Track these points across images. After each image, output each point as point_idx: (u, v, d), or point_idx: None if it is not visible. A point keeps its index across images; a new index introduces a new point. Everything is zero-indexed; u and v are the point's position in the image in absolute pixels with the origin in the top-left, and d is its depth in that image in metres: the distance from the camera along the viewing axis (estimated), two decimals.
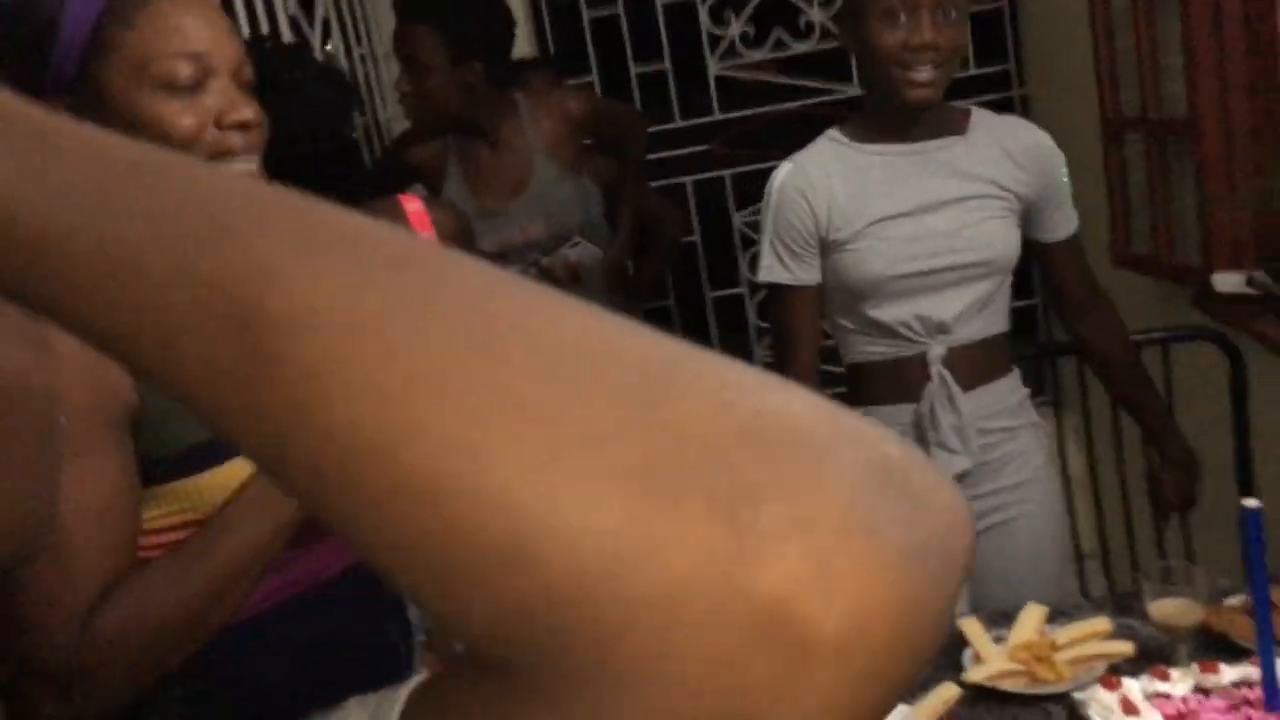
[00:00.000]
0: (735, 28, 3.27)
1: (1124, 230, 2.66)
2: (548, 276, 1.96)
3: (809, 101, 3.21)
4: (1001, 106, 3.26)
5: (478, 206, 2.38)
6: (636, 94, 3.35)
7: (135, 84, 1.03)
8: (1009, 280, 1.80)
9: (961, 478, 1.77)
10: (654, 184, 3.23)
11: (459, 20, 2.32)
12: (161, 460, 1.05)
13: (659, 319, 3.48)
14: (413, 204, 2.04)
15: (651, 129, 3.34)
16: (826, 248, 1.75)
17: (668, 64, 3.33)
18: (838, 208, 1.73)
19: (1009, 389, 1.84)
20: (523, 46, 3.17)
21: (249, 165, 1.09)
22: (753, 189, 2.87)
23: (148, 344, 0.33)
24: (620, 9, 3.32)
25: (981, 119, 1.79)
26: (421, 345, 0.29)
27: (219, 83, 1.06)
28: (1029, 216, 1.79)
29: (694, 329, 3.41)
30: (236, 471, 1.07)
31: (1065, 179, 1.81)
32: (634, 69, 3.35)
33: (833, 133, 1.79)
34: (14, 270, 0.33)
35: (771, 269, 1.77)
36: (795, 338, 1.79)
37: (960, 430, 1.76)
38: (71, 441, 0.99)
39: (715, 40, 3.29)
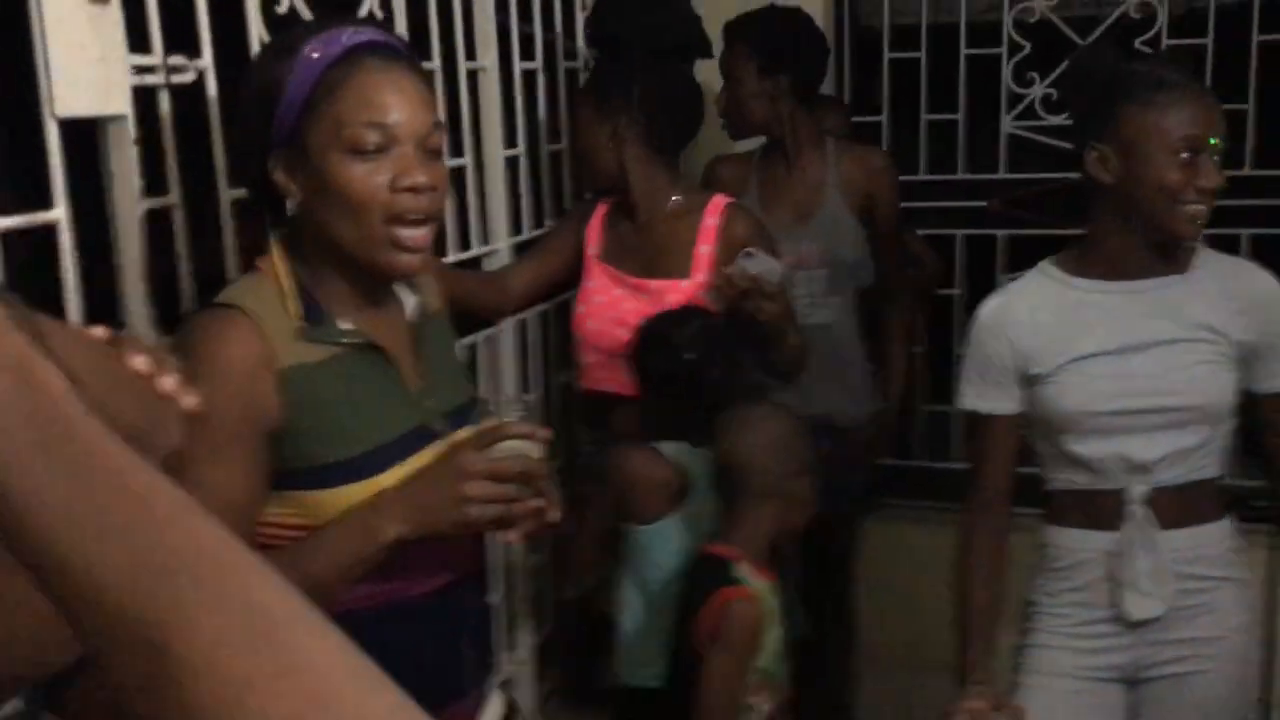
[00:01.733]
0: (1038, 89, 3.19)
1: None
2: (729, 284, 2.01)
3: None
4: (1277, 216, 3.04)
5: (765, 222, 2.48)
6: (924, 140, 3.33)
7: (329, 146, 1.21)
8: (1226, 426, 1.73)
9: (1151, 622, 1.71)
10: (925, 231, 3.21)
11: (769, 36, 2.52)
12: (292, 471, 1.22)
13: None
14: (720, 204, 2.19)
15: (933, 178, 3.33)
16: (1026, 380, 1.74)
17: (961, 115, 3.29)
18: (1039, 343, 1.72)
19: (1217, 536, 1.76)
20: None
21: (422, 233, 1.26)
22: (1025, 253, 2.81)
23: (86, 624, 0.46)
24: (923, 53, 3.31)
25: (1207, 259, 1.74)
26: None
27: (401, 149, 1.22)
28: (1247, 364, 1.72)
29: (941, 382, 3.35)
30: (351, 494, 1.22)
31: None
32: (925, 115, 3.33)
33: (1046, 265, 1.78)
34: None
35: (973, 398, 1.79)
36: (990, 464, 1.80)
37: (1156, 573, 1.70)
38: (214, 444, 1.15)
39: (1015, 99, 3.23)
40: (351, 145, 1.21)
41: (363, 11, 1.82)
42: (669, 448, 2.06)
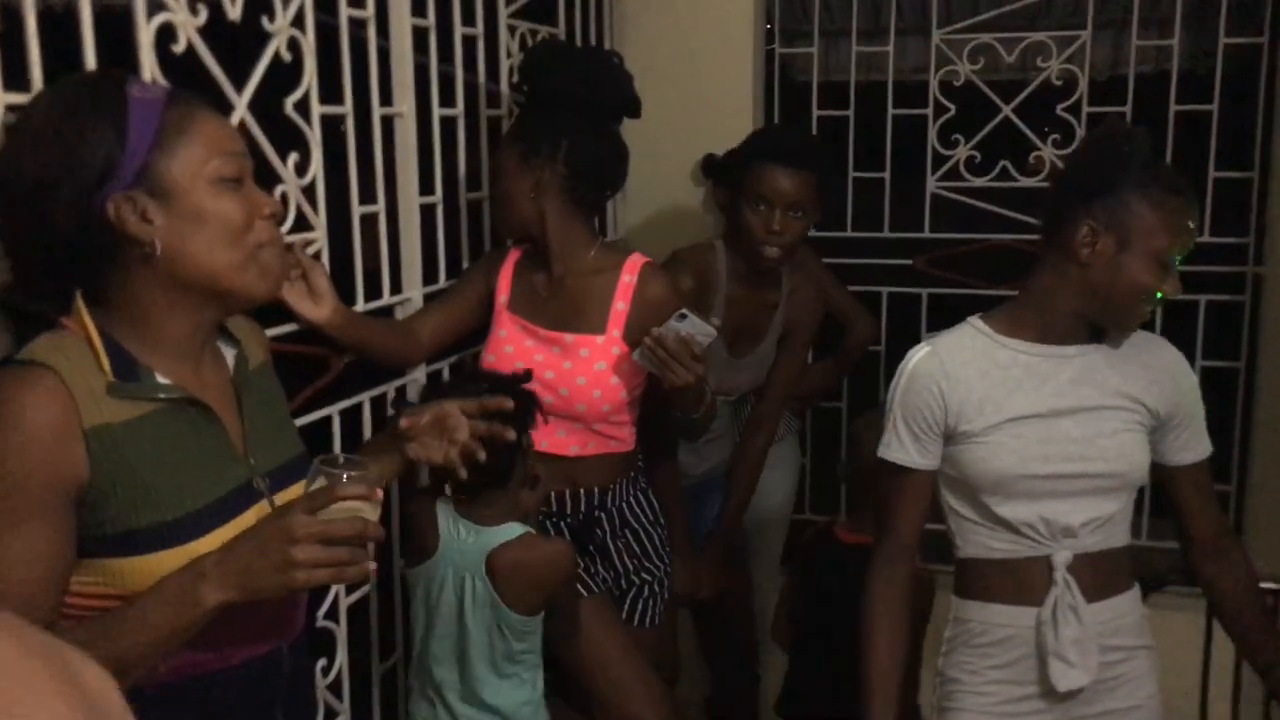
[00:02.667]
0: (962, 150, 3.23)
1: None
2: (661, 345, 1.98)
3: (1021, 236, 3.12)
4: (1231, 283, 3.11)
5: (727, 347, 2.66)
6: (850, 197, 3.35)
7: (195, 179, 1.19)
8: (1134, 495, 1.76)
9: (1075, 693, 1.71)
10: (851, 288, 3.22)
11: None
12: (102, 537, 1.16)
13: (829, 420, 3.44)
14: (637, 262, 2.17)
15: (860, 235, 3.35)
16: (952, 437, 1.73)
17: (887, 174, 3.32)
18: (972, 400, 1.70)
19: (1130, 605, 1.78)
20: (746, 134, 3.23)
21: (281, 256, 1.30)
22: (947, 312, 2.82)
23: None
24: (851, 112, 3.34)
25: None
26: None
27: (248, 179, 1.26)
28: (1158, 436, 1.74)
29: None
30: (165, 561, 1.16)
31: (1198, 401, 1.76)
32: (853, 173, 3.35)
33: (976, 322, 1.77)
34: None
35: (890, 446, 1.77)
36: (901, 517, 1.78)
37: (1081, 644, 1.69)
38: (15, 511, 1.09)
39: (939, 159, 3.26)
40: (219, 176, 1.21)
41: (268, 53, 1.77)
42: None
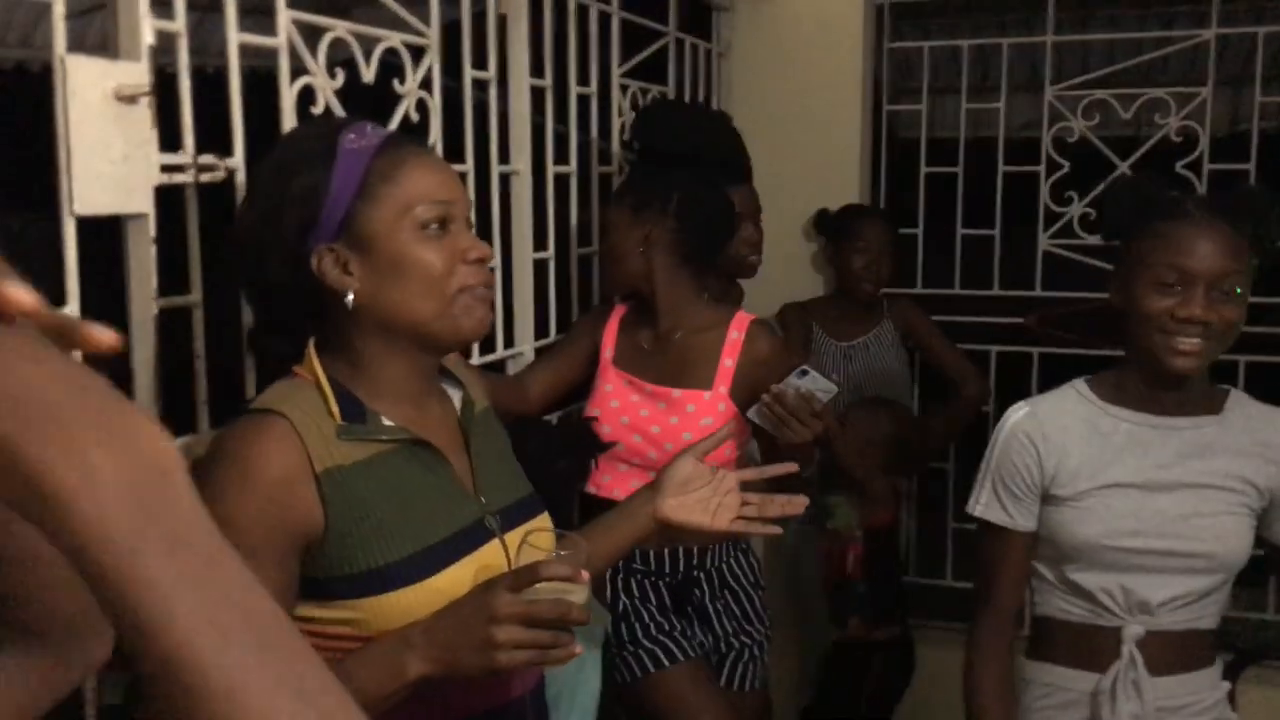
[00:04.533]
0: (1076, 208, 3.16)
1: None
2: (780, 402, 1.95)
3: None
4: None
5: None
6: (959, 253, 3.30)
7: (396, 228, 1.19)
8: (1231, 579, 1.67)
9: None
10: (959, 346, 3.17)
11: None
12: (341, 577, 1.16)
13: (938, 482, 3.37)
14: (744, 319, 2.18)
15: (968, 293, 3.30)
16: (1046, 499, 1.68)
17: (998, 230, 3.26)
18: (1067, 465, 1.65)
19: (1206, 684, 1.70)
20: (854, 190, 3.21)
21: (488, 298, 1.27)
22: (1059, 372, 2.75)
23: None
24: (960, 168, 3.30)
25: (1239, 403, 1.69)
26: None
27: (457, 224, 1.24)
28: (1272, 514, 1.66)
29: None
30: (403, 600, 1.16)
31: None
32: (961, 230, 3.30)
33: (1080, 385, 1.72)
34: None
35: (988, 507, 1.72)
36: (1000, 580, 1.73)
37: (1139, 718, 1.63)
38: (247, 554, 1.10)
39: (1052, 216, 3.20)
40: (421, 224, 1.20)
41: (399, 114, 1.81)
42: None
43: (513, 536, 1.27)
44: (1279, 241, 1.61)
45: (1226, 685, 1.74)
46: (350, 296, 1.20)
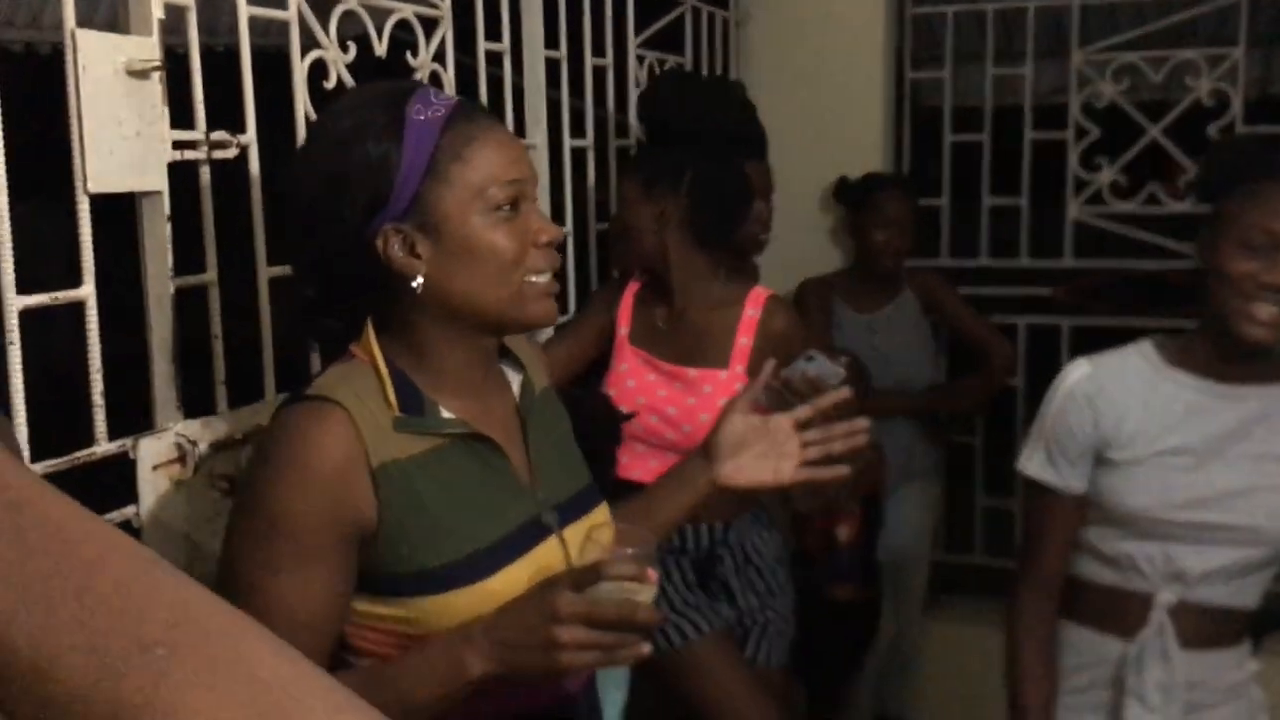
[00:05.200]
0: (1106, 174, 3.10)
1: None
2: (788, 388, 1.91)
3: (1170, 264, 2.98)
4: None
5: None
6: (985, 225, 3.25)
7: (468, 210, 1.13)
8: (1276, 560, 1.62)
9: None
10: (989, 318, 3.12)
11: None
12: (396, 575, 1.12)
13: (964, 456, 3.33)
14: (761, 296, 2.14)
15: (994, 264, 3.24)
16: (1100, 461, 1.62)
17: (1025, 199, 3.21)
18: (1125, 429, 1.60)
19: (1233, 662, 1.65)
20: (876, 160, 3.16)
21: (555, 283, 1.21)
22: (1089, 344, 2.70)
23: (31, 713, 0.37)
24: (986, 135, 3.24)
25: None
26: None
27: (528, 204, 1.17)
28: None
29: (997, 478, 3.23)
30: (459, 601, 1.12)
31: None
32: (987, 199, 3.25)
33: (1145, 347, 1.66)
34: None
35: (1040, 466, 1.67)
36: (1047, 542, 1.68)
37: (1167, 690, 1.59)
38: (298, 550, 1.07)
39: (1081, 184, 3.14)
40: (494, 205, 1.14)
41: None
42: None
43: (571, 532, 1.23)
44: None
45: (1254, 665, 1.70)
46: (419, 280, 1.14)
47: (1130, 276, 3.13)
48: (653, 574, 1.11)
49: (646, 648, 1.10)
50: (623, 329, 2.22)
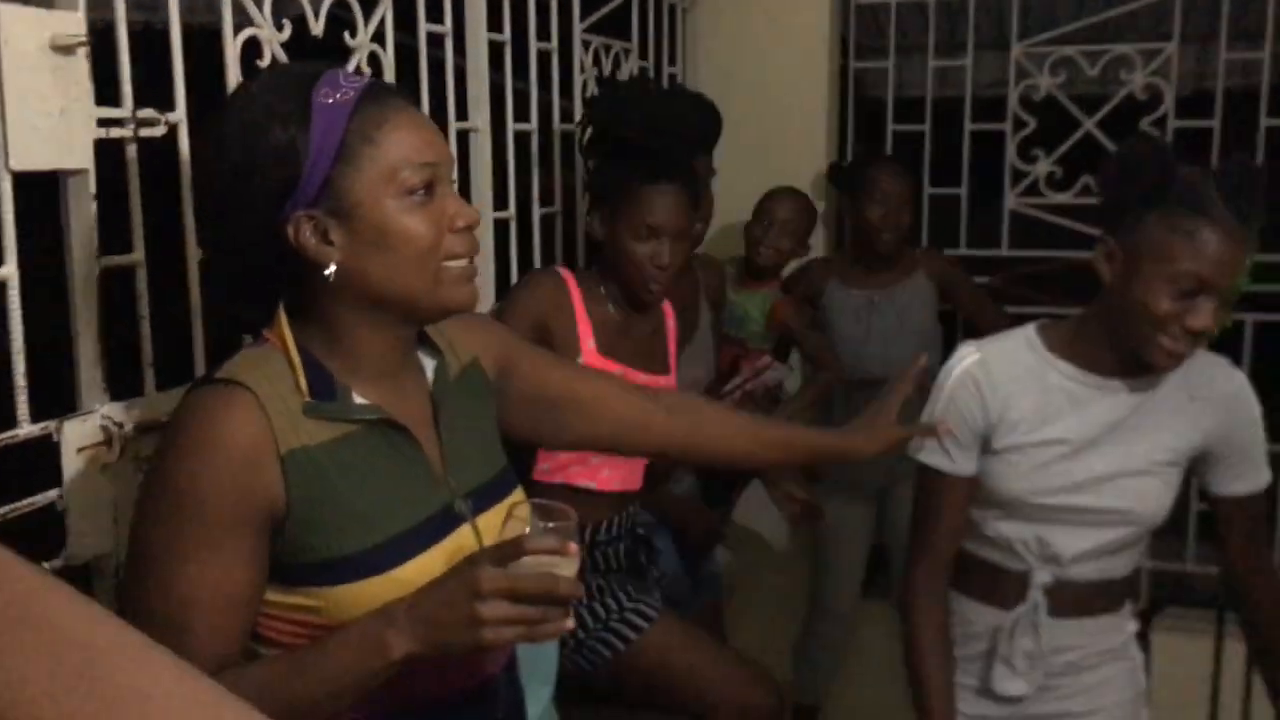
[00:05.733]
0: (1042, 166, 3.15)
1: None
2: (749, 399, 1.94)
3: None
4: None
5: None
6: (926, 214, 3.29)
7: (381, 194, 1.11)
8: (1146, 534, 1.69)
9: (1022, 698, 1.71)
10: None
11: None
12: (305, 565, 1.11)
13: None
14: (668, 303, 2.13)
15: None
16: (985, 447, 1.67)
17: (964, 190, 3.25)
18: (1009, 417, 1.65)
19: (1111, 626, 1.73)
20: (820, 149, 3.19)
21: (474, 266, 1.19)
22: None
23: None
24: (927, 126, 3.28)
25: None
26: None
27: (443, 187, 1.15)
28: (1207, 465, 1.67)
29: None
30: (369, 590, 1.11)
31: (1258, 432, 1.66)
32: (928, 189, 3.28)
33: (1031, 334, 1.69)
34: None
35: (931, 451, 1.70)
36: (937, 524, 1.72)
37: (1033, 657, 1.68)
38: (210, 534, 1.05)
39: (1019, 175, 3.18)
40: (407, 189, 1.11)
41: (349, 68, 1.76)
42: None
43: (484, 520, 1.23)
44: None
45: (1133, 626, 1.76)
46: (331, 269, 1.12)
47: (1066, 266, 3.19)
48: (573, 547, 1.10)
49: (569, 622, 1.10)
50: (589, 341, 2.09)
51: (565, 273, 2.11)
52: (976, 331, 3.10)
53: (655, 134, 2.10)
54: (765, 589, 3.36)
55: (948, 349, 2.80)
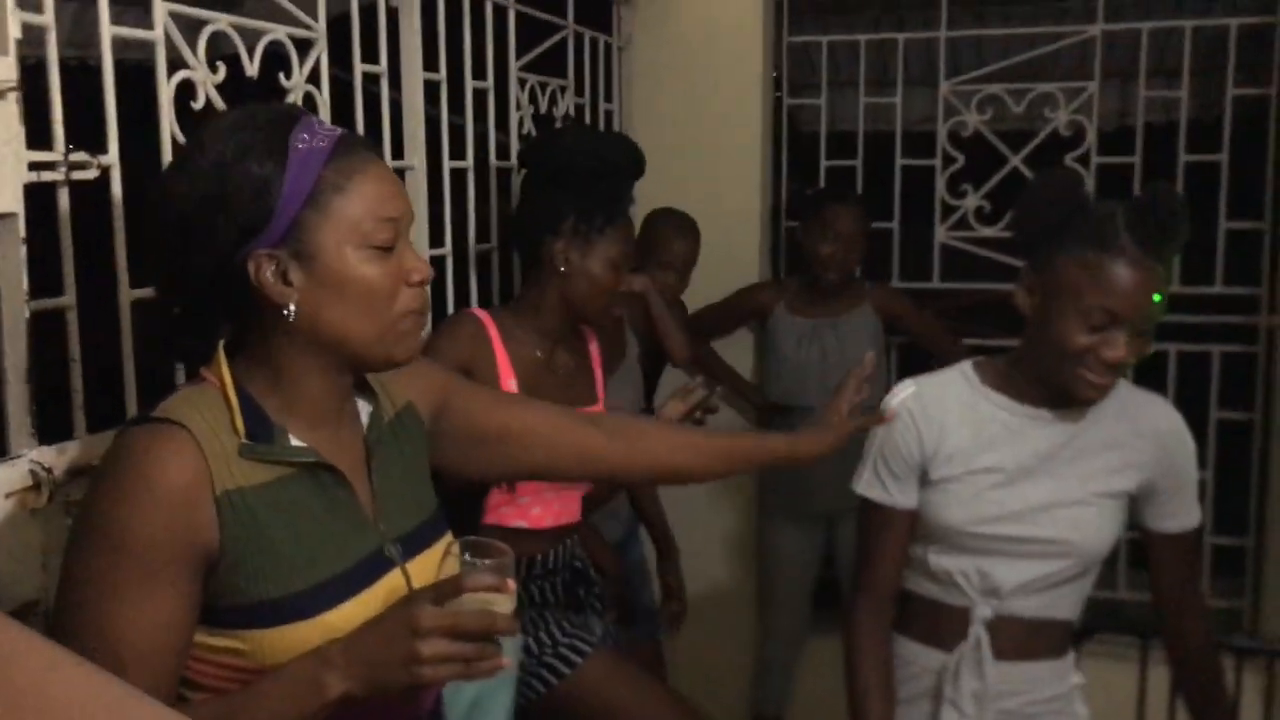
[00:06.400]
0: (971, 200, 3.23)
1: None
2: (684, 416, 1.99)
3: None
4: (1244, 334, 3.10)
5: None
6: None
7: (344, 243, 1.12)
8: (1093, 573, 1.71)
9: None
10: None
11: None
12: (234, 606, 1.10)
13: None
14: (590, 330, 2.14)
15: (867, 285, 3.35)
16: (923, 480, 1.70)
17: (896, 223, 3.32)
18: (944, 448, 1.68)
19: (1054, 674, 1.72)
20: (755, 184, 3.24)
21: (424, 320, 1.21)
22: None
23: None
24: (859, 161, 3.35)
25: (1117, 390, 1.66)
26: None
27: (403, 242, 1.17)
28: (1142, 501, 1.70)
29: None
30: (292, 634, 1.10)
31: (1192, 471, 1.70)
32: None
33: (967, 369, 1.73)
34: None
35: (870, 484, 1.73)
36: (878, 558, 1.74)
37: (980, 699, 1.67)
38: (143, 574, 1.05)
39: (948, 209, 3.26)
40: (368, 242, 1.13)
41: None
42: None
43: (415, 565, 1.23)
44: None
45: (1078, 679, 1.76)
46: (290, 309, 1.13)
47: (995, 298, 3.26)
48: (511, 584, 1.12)
49: (507, 659, 1.11)
50: (510, 381, 2.06)
51: (482, 314, 2.11)
52: (934, 361, 3.19)
53: (612, 171, 2.15)
54: (712, 615, 3.38)
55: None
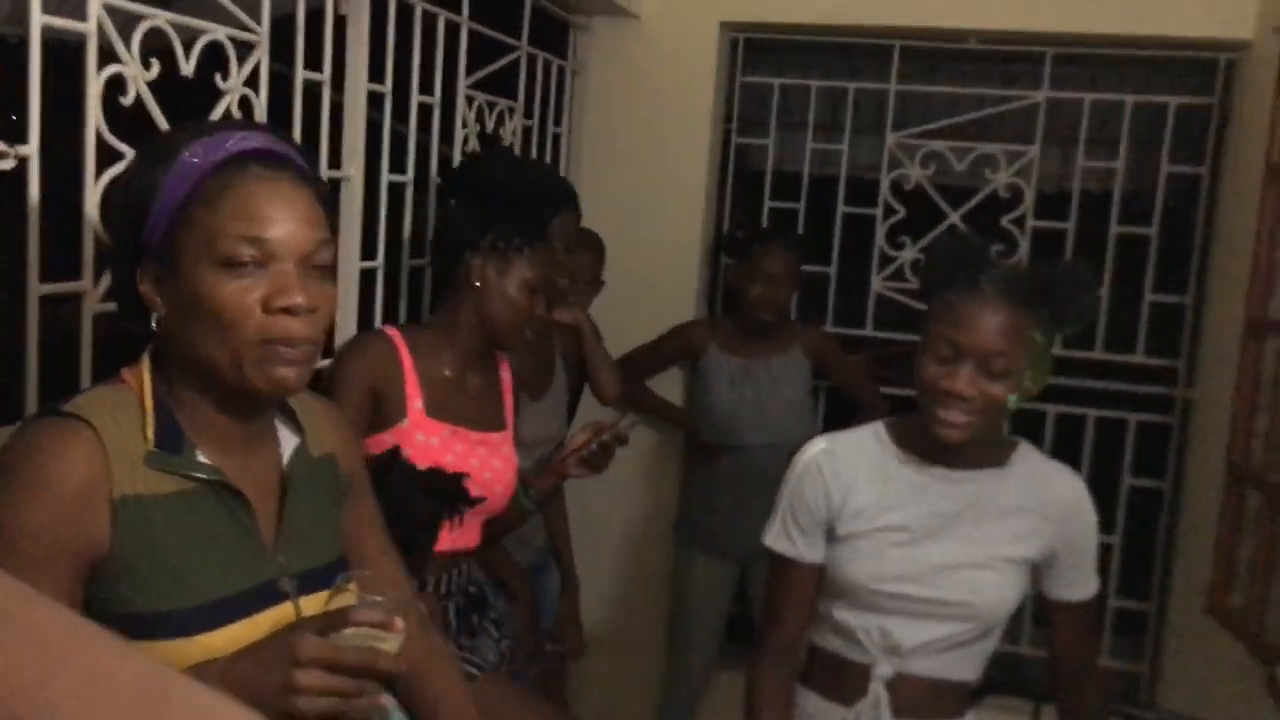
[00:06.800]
0: (908, 253, 3.27)
1: (1225, 584, 2.55)
2: (604, 449, 1.99)
3: None
4: (1161, 404, 3.16)
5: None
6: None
7: (200, 258, 1.11)
8: (994, 636, 1.73)
9: None
10: None
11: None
12: (116, 615, 1.08)
13: None
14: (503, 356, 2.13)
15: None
16: (830, 535, 1.72)
17: (833, 268, 3.35)
18: (852, 505, 1.70)
19: None
20: (699, 218, 3.25)
21: (296, 352, 1.12)
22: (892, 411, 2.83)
23: None
24: (802, 204, 3.37)
25: (1025, 457, 1.73)
26: None
27: (279, 266, 1.11)
28: (1043, 569, 1.73)
29: None
30: (170, 650, 1.08)
31: (1092, 541, 1.74)
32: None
33: (879, 429, 1.76)
34: None
35: (778, 538, 1.76)
36: (783, 610, 1.76)
37: None
38: (26, 565, 1.02)
39: (886, 259, 3.29)
40: (224, 259, 1.09)
41: (219, 111, 1.74)
42: None
43: (309, 601, 1.21)
44: (1083, 319, 1.64)
45: None
46: (155, 321, 1.12)
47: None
48: (399, 623, 1.09)
49: (386, 698, 1.10)
50: (416, 402, 2.00)
51: (393, 332, 2.05)
52: (854, 409, 3.21)
53: (537, 200, 2.13)
54: (621, 644, 3.36)
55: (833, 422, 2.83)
